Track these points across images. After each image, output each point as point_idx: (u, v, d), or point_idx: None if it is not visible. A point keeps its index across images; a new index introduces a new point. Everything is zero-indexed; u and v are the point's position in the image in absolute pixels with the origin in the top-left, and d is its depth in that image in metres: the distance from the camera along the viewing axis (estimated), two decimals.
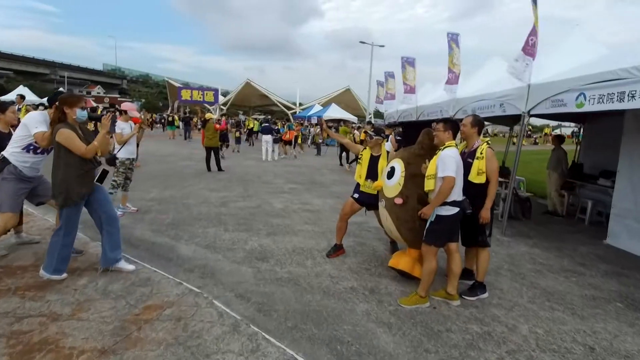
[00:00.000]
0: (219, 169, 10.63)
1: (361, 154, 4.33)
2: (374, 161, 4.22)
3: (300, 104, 39.88)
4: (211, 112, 17.01)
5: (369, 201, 4.23)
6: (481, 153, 3.43)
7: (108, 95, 66.46)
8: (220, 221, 5.59)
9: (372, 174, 4.19)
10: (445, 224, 3.23)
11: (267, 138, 14.39)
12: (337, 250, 4.44)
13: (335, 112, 26.94)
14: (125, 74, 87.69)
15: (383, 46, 27.72)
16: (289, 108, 40.47)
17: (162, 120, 32.12)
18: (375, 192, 4.09)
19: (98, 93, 68.51)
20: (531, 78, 5.55)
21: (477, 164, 3.43)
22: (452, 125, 3.34)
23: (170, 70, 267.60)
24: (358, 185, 4.33)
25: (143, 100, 65.03)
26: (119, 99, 65.13)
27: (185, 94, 32.58)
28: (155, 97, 65.43)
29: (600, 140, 8.19)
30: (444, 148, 3.26)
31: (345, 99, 36.07)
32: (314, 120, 25.27)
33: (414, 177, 3.61)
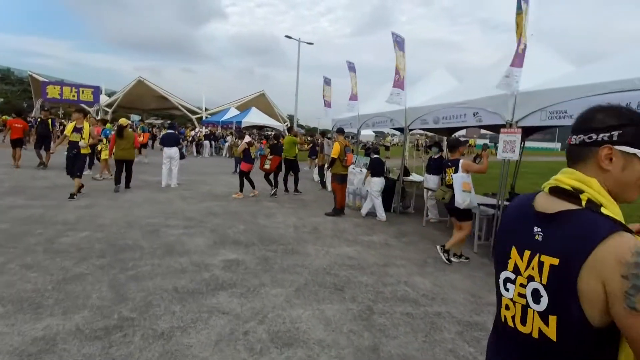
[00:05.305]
0: (127, 185, 8.45)
1: None
2: None
3: (206, 109, 34.31)
4: (123, 118, 10.58)
5: None
6: None
7: None
8: None
9: None
10: None
11: (172, 152, 9.25)
12: None
13: (257, 117, 22.32)
14: None
15: (312, 44, 24.06)
16: (193, 112, 34.63)
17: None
18: None
19: None
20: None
21: None
22: None
23: (42, 65, 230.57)
24: None
25: (2, 99, 51.33)
26: None
27: (53, 91, 24.40)
28: (18, 96, 51.95)
29: None
30: None
31: (260, 104, 31.63)
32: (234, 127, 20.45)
33: None
